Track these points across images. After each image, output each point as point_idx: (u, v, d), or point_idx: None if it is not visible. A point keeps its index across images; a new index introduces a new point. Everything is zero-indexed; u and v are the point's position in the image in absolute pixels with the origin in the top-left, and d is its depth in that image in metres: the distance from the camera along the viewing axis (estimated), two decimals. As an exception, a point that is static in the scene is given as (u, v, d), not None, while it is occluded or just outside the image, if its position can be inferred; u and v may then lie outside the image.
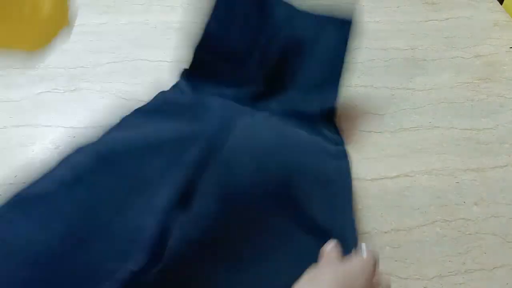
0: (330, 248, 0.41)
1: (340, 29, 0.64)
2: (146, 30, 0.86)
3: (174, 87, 0.67)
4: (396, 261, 0.54)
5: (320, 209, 0.53)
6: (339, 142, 0.63)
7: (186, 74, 0.68)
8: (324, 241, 0.42)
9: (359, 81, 0.77)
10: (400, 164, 0.64)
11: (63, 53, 0.81)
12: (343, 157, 0.61)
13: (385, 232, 0.57)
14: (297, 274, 0.37)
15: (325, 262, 0.39)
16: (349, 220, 0.53)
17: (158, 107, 0.62)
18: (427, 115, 0.71)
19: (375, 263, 0.38)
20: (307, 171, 0.56)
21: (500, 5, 0.94)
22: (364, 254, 0.39)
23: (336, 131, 0.65)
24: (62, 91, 0.74)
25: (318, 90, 0.65)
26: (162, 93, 0.66)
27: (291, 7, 0.65)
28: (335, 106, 0.65)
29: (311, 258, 0.40)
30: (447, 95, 0.74)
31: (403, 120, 0.70)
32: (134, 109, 0.61)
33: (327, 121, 0.65)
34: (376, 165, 0.63)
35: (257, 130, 0.57)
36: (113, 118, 0.60)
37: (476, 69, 0.79)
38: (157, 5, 0.92)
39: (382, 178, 0.62)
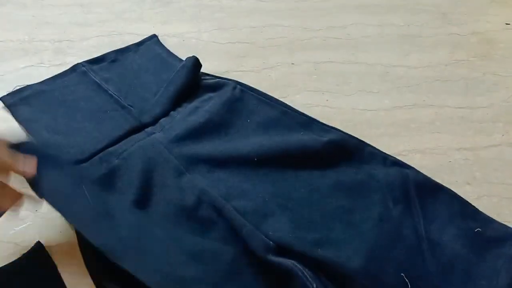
0: None
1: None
2: (135, 3, 0.84)
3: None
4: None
5: None
6: None
7: None
8: None
9: (353, 58, 0.75)
10: (393, 143, 0.63)
11: (48, 26, 0.78)
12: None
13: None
14: None
15: None
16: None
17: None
18: (421, 93, 0.70)
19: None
20: None
21: (498, -19, 0.92)
22: None
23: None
24: (47, 66, 0.72)
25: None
26: None
27: None
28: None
29: None
30: (442, 73, 0.73)
31: (397, 98, 0.69)
32: None
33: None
34: (369, 143, 0.62)
35: None
36: None
37: (472, 47, 0.78)
38: (146, -23, 0.89)
39: (375, 157, 0.61)
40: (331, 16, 0.83)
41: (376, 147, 0.61)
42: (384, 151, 0.60)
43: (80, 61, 0.71)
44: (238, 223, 0.51)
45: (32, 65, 0.72)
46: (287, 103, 0.66)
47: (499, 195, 0.58)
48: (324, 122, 0.63)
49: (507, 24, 0.82)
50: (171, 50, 0.74)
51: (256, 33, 0.79)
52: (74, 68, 0.69)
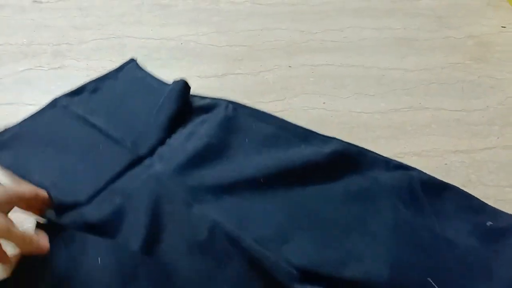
0: None
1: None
2: (133, 6, 0.84)
3: None
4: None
5: None
6: None
7: None
8: None
9: (350, 61, 0.76)
10: (389, 145, 0.64)
11: (47, 29, 0.79)
12: None
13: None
14: None
15: None
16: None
17: None
18: (417, 96, 0.70)
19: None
20: None
21: (494, -16, 0.93)
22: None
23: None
24: (46, 69, 0.72)
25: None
26: None
27: None
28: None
29: None
30: (438, 76, 0.74)
31: (393, 101, 0.70)
32: None
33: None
34: (365, 146, 0.62)
35: None
36: None
37: (468, 50, 0.78)
38: (144, -20, 0.89)
39: (371, 159, 0.61)
40: (329, 19, 0.83)
41: (376, 152, 0.61)
42: (380, 154, 0.61)
43: (79, 63, 0.71)
44: (258, 254, 0.48)
45: (31, 68, 0.72)
46: (285, 106, 0.67)
47: (494, 197, 0.58)
48: (321, 125, 0.64)
49: (503, 27, 0.83)
50: (169, 54, 0.74)
51: (254, 36, 0.80)
52: (54, 103, 0.64)
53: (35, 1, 0.84)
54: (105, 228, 0.51)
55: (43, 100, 0.67)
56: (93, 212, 0.52)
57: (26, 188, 0.48)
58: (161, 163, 0.57)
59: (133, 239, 0.49)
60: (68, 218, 0.51)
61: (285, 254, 0.49)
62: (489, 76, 0.74)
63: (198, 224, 0.51)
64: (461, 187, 0.59)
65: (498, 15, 0.85)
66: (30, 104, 0.67)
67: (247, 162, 0.58)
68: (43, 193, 0.50)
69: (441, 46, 0.79)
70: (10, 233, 0.41)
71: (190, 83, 0.65)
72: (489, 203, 0.57)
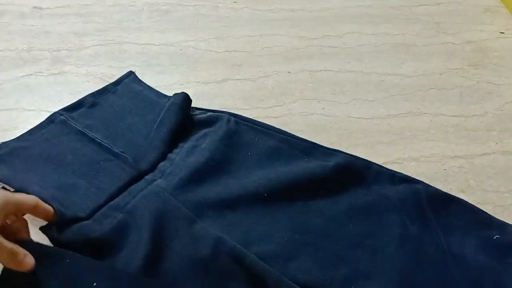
0: None
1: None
2: (133, 13, 0.84)
3: None
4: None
5: None
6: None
7: None
8: None
9: (349, 67, 0.76)
10: (388, 151, 0.64)
11: (47, 35, 0.79)
12: None
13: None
14: None
15: None
16: None
17: None
18: (416, 102, 0.71)
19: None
20: None
21: (492, -10, 0.93)
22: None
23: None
24: (45, 74, 0.72)
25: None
26: None
27: None
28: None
29: None
30: (436, 81, 0.74)
31: (392, 106, 0.70)
32: None
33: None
34: (364, 151, 0.62)
35: None
36: None
37: (466, 55, 0.79)
38: (144, -14, 0.90)
39: (370, 165, 0.62)
40: (327, 25, 0.84)
41: (374, 156, 0.61)
42: (379, 159, 0.61)
43: (78, 69, 0.71)
44: (262, 271, 0.47)
45: (31, 74, 0.72)
46: (284, 111, 0.67)
47: (493, 202, 0.58)
48: (320, 131, 0.64)
49: (501, 33, 0.83)
50: (169, 59, 0.75)
51: (253, 42, 0.80)
52: (52, 118, 0.62)
53: (35, 8, 0.84)
54: (107, 244, 0.50)
55: (43, 105, 0.67)
56: (95, 228, 0.50)
57: (26, 196, 0.48)
58: (163, 179, 0.56)
59: (135, 256, 0.48)
60: (68, 233, 0.50)
61: (289, 271, 0.49)
62: (487, 81, 0.74)
63: (201, 241, 0.50)
64: (460, 193, 0.59)
65: (496, 21, 0.86)
66: (30, 110, 0.67)
67: (250, 176, 0.57)
68: (44, 205, 0.49)
69: (439, 52, 0.79)
70: None
71: (189, 88, 0.65)
72: (488, 209, 0.57)
